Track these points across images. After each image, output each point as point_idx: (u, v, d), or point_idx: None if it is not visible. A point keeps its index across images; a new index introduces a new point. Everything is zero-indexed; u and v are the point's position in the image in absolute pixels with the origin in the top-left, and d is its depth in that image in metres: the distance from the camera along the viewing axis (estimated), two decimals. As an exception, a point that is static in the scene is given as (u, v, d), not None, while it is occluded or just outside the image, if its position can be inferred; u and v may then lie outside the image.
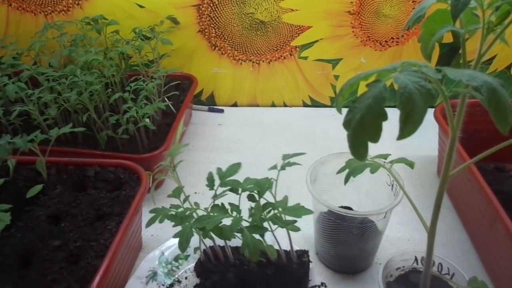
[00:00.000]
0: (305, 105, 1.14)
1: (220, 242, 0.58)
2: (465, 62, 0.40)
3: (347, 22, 1.02)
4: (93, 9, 1.04)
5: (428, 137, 0.89)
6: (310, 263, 0.60)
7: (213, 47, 1.08)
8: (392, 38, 1.04)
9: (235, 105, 1.15)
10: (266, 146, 0.96)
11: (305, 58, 1.07)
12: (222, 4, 1.02)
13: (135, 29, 0.99)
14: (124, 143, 0.84)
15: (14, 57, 0.93)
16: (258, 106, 1.14)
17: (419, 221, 0.46)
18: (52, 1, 1.05)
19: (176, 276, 0.65)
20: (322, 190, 0.64)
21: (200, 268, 0.61)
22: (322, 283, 0.63)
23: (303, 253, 0.60)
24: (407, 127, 0.29)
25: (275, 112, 1.12)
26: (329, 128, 1.02)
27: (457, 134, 0.39)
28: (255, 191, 0.54)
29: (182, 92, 0.99)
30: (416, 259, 0.55)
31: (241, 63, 1.09)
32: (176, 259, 0.67)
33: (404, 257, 0.55)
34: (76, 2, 1.04)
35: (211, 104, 1.14)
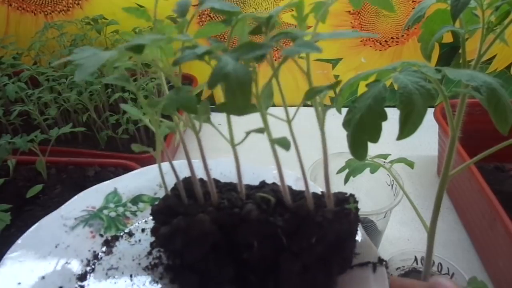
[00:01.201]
0: (305, 105, 1.13)
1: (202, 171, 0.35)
2: (465, 62, 0.40)
3: (347, 22, 1.02)
4: (93, 9, 1.04)
5: (428, 137, 0.89)
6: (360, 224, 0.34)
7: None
8: (392, 38, 1.04)
9: (235, 105, 1.15)
10: (266, 146, 0.96)
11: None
12: (222, 4, 1.02)
13: (135, 29, 0.99)
14: (124, 143, 0.84)
15: (14, 57, 0.93)
16: (258, 106, 1.14)
17: (419, 221, 0.46)
18: (52, 1, 1.05)
19: (129, 225, 0.42)
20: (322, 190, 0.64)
21: (158, 208, 0.37)
22: (382, 260, 0.35)
23: (347, 198, 0.35)
24: (407, 127, 0.29)
25: (275, 112, 1.11)
26: (329, 128, 1.01)
27: (457, 134, 0.39)
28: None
29: (182, 92, 0.99)
30: (416, 259, 0.55)
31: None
32: (136, 200, 0.44)
33: (404, 257, 0.55)
34: (76, 2, 1.04)
35: (211, 104, 1.13)
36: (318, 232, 0.33)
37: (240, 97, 0.24)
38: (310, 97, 0.31)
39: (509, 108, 0.31)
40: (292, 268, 0.33)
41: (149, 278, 0.38)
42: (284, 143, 0.31)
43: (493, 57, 1.03)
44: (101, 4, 1.03)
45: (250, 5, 1.01)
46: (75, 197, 0.42)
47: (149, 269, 0.39)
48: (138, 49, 0.25)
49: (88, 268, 0.38)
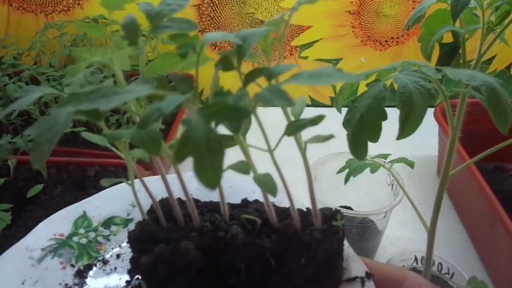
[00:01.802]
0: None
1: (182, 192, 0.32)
2: (465, 62, 0.40)
3: (347, 22, 1.02)
4: (93, 9, 1.04)
5: (428, 137, 0.89)
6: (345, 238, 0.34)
7: (213, 47, 1.08)
8: (392, 37, 1.04)
9: (235, 105, 1.15)
10: (265, 146, 0.96)
11: (305, 58, 1.07)
12: (222, 4, 1.02)
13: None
14: (125, 143, 0.84)
15: (15, 57, 0.94)
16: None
17: (419, 221, 0.46)
18: (53, 1, 1.05)
19: (102, 252, 0.37)
20: (322, 190, 0.64)
21: (135, 234, 0.33)
22: (368, 274, 0.33)
23: (334, 214, 0.34)
24: (407, 127, 0.29)
25: (275, 112, 1.11)
26: (329, 128, 1.01)
27: (457, 133, 0.39)
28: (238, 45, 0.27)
29: (182, 92, 1.00)
30: (416, 259, 0.55)
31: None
32: (108, 223, 0.39)
33: (404, 257, 0.55)
34: (77, 2, 1.04)
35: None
36: (307, 252, 0.31)
37: (210, 172, 0.20)
38: (292, 132, 0.28)
39: (509, 107, 0.31)
40: None
41: None
42: (270, 187, 0.27)
43: (493, 57, 1.04)
44: (102, 4, 1.04)
45: (250, 5, 1.01)
46: (40, 224, 0.38)
47: (129, 300, 0.34)
48: (95, 115, 0.24)
49: None
